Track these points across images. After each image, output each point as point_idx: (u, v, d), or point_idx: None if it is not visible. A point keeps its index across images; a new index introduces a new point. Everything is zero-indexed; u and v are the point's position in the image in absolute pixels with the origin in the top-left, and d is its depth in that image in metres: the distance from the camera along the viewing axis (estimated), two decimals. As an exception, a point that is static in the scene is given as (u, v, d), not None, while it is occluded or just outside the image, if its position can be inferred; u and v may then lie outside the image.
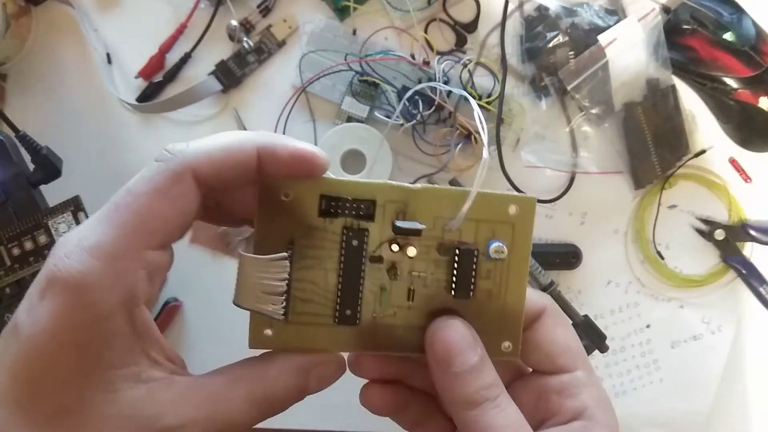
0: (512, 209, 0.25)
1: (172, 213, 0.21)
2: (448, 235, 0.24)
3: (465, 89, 0.47)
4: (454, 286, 0.24)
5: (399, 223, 0.24)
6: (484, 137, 0.26)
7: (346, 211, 0.24)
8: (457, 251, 0.24)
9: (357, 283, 0.24)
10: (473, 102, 0.30)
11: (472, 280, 0.24)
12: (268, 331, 0.24)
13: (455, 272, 0.24)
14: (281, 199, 0.23)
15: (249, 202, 0.24)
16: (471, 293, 0.24)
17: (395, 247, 0.24)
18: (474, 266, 0.24)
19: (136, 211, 0.20)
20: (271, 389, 0.22)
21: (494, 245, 0.24)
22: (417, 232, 0.24)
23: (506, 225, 0.25)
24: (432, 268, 0.25)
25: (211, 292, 0.43)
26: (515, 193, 0.25)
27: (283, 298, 0.23)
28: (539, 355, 0.26)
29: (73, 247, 0.20)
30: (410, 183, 0.25)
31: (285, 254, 0.23)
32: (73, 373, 0.20)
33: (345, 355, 0.25)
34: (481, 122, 0.26)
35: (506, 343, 0.25)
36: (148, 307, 0.21)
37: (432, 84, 0.45)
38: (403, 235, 0.24)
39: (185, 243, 0.45)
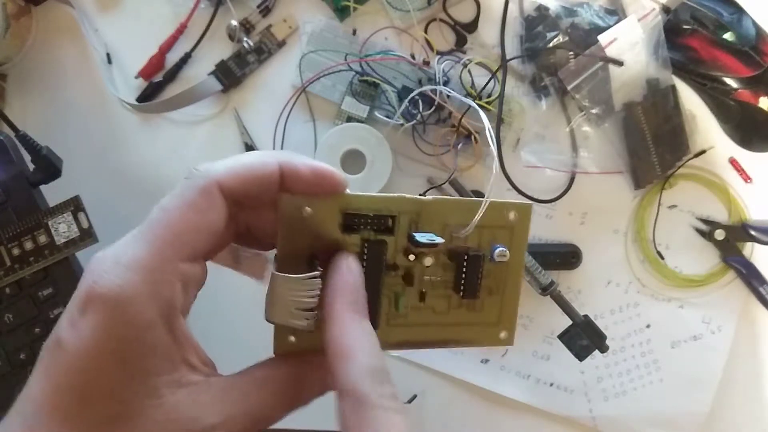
0: (512, 215, 0.27)
1: (202, 225, 0.22)
2: (455, 241, 0.26)
3: (465, 90, 0.47)
4: (462, 287, 0.26)
5: (418, 237, 0.25)
6: (494, 150, 0.28)
7: (368, 227, 0.25)
8: (467, 257, 0.26)
9: (377, 291, 0.25)
10: (483, 115, 0.30)
11: (479, 282, 0.26)
12: (292, 338, 0.25)
13: (464, 275, 0.26)
14: (302, 216, 0.24)
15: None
16: (478, 293, 0.26)
17: (412, 257, 0.26)
18: (480, 269, 0.26)
19: (168, 225, 0.22)
20: (298, 386, 0.24)
21: (498, 250, 0.26)
22: (434, 246, 0.25)
23: (506, 230, 0.27)
24: (441, 271, 0.26)
25: (212, 293, 0.43)
26: (513, 200, 0.27)
27: (315, 312, 0.24)
28: None
29: (111, 263, 0.21)
30: (420, 194, 0.27)
31: (318, 273, 0.24)
32: (118, 384, 0.20)
33: None
34: (491, 136, 0.28)
35: (503, 333, 0.28)
36: (184, 316, 0.22)
37: (437, 87, 0.45)
38: (419, 248, 0.26)
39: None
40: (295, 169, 0.24)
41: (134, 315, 0.20)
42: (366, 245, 0.25)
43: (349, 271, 0.24)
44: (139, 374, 0.21)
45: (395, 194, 0.26)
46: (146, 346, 0.21)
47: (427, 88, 0.46)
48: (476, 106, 0.32)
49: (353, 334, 0.22)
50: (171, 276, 0.21)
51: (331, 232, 0.25)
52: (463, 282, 0.26)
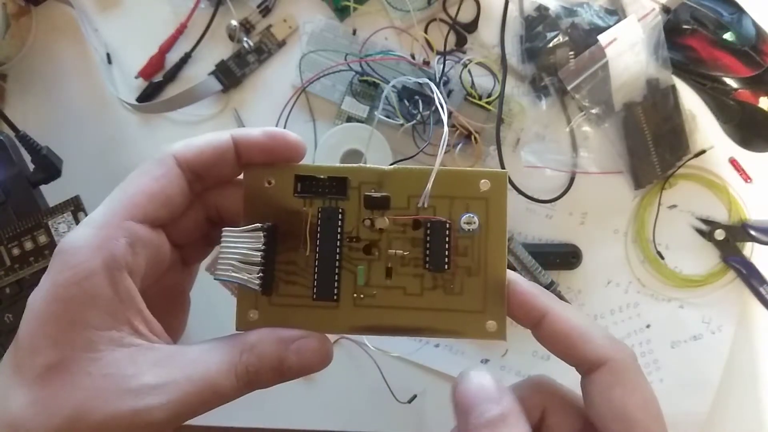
0: (484, 184, 0.25)
1: (154, 189, 0.24)
2: (423, 213, 0.25)
3: (465, 90, 0.47)
4: (427, 258, 0.25)
5: (367, 193, 0.25)
6: (444, 116, 0.27)
7: (320, 190, 0.25)
8: (428, 224, 0.25)
9: (333, 259, 0.25)
10: (433, 86, 0.31)
11: (446, 252, 0.25)
12: (254, 313, 0.25)
13: (428, 245, 0.25)
14: (264, 186, 0.25)
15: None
16: (446, 266, 0.25)
17: (367, 222, 0.25)
18: (447, 238, 0.25)
19: (122, 190, 0.24)
20: (249, 355, 0.23)
21: (465, 216, 0.25)
22: (385, 200, 0.25)
23: (480, 200, 0.25)
24: (409, 246, 0.25)
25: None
26: (488, 168, 0.26)
27: (259, 268, 0.24)
28: (592, 414, 0.24)
29: (75, 227, 0.23)
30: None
31: (259, 225, 0.24)
32: (59, 333, 0.21)
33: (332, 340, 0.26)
34: (440, 101, 0.28)
35: (490, 323, 0.25)
36: (134, 279, 0.23)
37: (402, 80, 0.45)
38: (374, 209, 0.25)
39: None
40: (247, 133, 0.25)
41: (78, 262, 0.22)
42: (320, 211, 0.25)
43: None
44: (79, 323, 0.21)
45: (354, 164, 0.26)
46: (87, 294, 0.22)
47: (397, 80, 0.45)
48: (429, 82, 0.33)
49: None
50: (117, 231, 0.23)
51: (292, 203, 0.25)
52: (427, 252, 0.25)
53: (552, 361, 0.49)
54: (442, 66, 0.47)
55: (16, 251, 0.41)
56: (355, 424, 0.48)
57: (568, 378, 0.49)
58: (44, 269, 0.40)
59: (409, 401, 0.47)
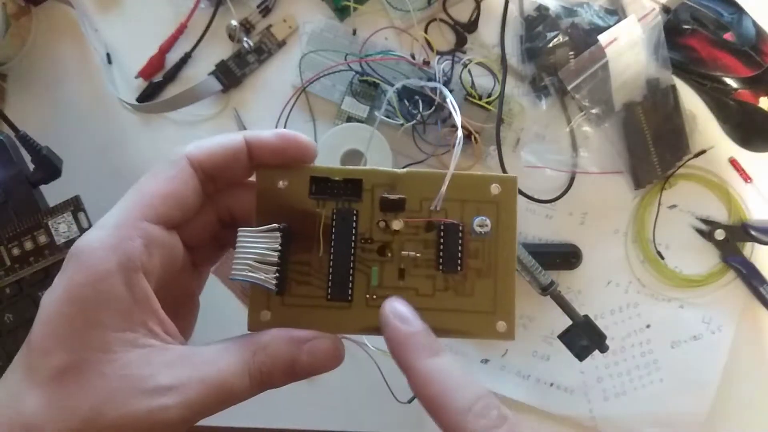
0: (494, 188, 0.26)
1: (168, 190, 0.24)
2: (435, 216, 0.26)
3: (465, 90, 0.47)
4: (441, 260, 0.25)
5: (384, 195, 0.25)
6: (457, 119, 0.28)
7: (335, 191, 0.25)
8: (442, 226, 0.25)
9: (347, 260, 0.25)
10: (446, 91, 0.31)
11: (459, 254, 0.25)
12: (266, 313, 0.25)
13: (441, 247, 0.25)
14: (278, 187, 0.25)
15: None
16: (459, 267, 0.25)
17: (382, 224, 0.26)
18: (459, 240, 0.25)
19: (137, 191, 0.24)
20: (262, 355, 0.23)
21: (478, 219, 0.26)
22: (401, 201, 0.25)
23: (491, 204, 0.26)
24: (421, 248, 0.26)
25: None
26: (498, 173, 0.26)
27: (275, 269, 0.24)
28: None
29: (90, 229, 0.23)
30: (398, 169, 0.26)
31: (276, 225, 0.24)
32: (74, 333, 0.21)
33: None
34: (453, 107, 0.28)
35: (501, 323, 0.26)
36: (149, 280, 0.23)
37: (408, 83, 0.45)
38: (389, 210, 0.25)
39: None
40: (260, 136, 0.25)
41: (94, 263, 0.22)
42: (335, 212, 0.25)
43: (402, 320, 0.24)
44: (94, 325, 0.21)
45: (367, 167, 0.26)
46: (102, 295, 0.22)
47: (401, 83, 0.46)
48: (442, 87, 0.33)
49: (431, 381, 0.23)
50: (132, 232, 0.23)
51: (305, 204, 0.25)
52: (441, 254, 0.25)
53: (552, 361, 0.49)
54: (442, 66, 0.47)
55: (16, 251, 0.41)
56: (355, 424, 0.48)
57: (569, 378, 0.49)
58: (44, 269, 0.41)
59: (409, 401, 0.47)
